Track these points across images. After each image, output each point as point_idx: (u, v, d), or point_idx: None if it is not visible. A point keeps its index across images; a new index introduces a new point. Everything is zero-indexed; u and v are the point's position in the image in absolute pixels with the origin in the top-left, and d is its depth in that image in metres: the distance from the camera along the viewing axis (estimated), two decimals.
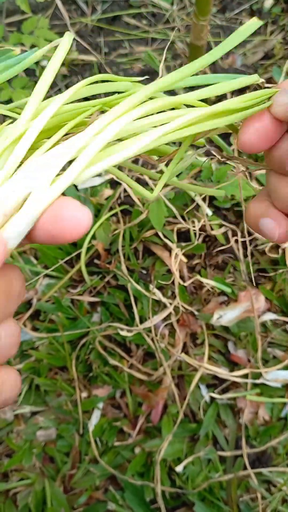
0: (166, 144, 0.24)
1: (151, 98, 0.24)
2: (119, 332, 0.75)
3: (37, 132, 0.21)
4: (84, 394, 0.77)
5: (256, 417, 0.74)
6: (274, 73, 0.93)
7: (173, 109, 0.24)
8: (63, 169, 0.21)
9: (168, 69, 1.00)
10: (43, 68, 1.00)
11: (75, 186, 0.89)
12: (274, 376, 0.74)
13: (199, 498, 0.71)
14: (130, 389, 0.76)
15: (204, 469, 0.72)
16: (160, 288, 0.81)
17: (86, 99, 0.26)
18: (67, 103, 0.24)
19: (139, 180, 0.92)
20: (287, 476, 0.72)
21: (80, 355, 0.78)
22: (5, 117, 0.27)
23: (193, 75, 0.25)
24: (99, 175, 0.90)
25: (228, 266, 0.81)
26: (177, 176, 0.84)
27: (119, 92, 0.26)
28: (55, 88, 1.01)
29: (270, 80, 0.99)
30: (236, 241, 0.83)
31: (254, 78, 0.25)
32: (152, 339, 0.74)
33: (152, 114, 0.24)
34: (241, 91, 1.01)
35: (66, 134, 0.23)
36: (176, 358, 0.74)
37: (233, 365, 0.78)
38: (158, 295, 0.76)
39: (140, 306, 0.78)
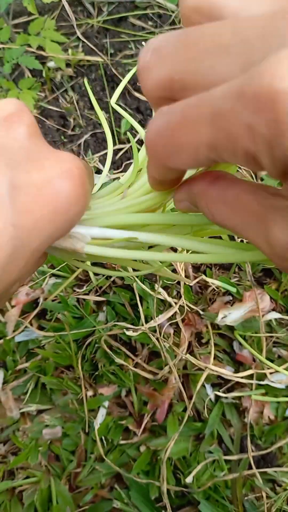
0: None
1: None
2: (124, 331, 0.76)
3: None
4: (90, 393, 0.77)
5: (261, 416, 0.74)
6: None
7: None
8: None
9: None
10: (49, 69, 1.01)
11: None
12: (278, 377, 0.75)
13: (204, 497, 0.71)
14: (136, 388, 0.76)
15: (209, 468, 0.73)
16: (165, 287, 0.81)
17: None
18: None
19: None
20: None
21: (86, 354, 0.79)
22: None
23: None
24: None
25: (233, 266, 0.82)
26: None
27: None
28: (61, 89, 1.02)
29: None
30: (242, 241, 0.83)
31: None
32: (158, 339, 0.74)
33: None
34: None
35: None
36: (182, 357, 0.75)
37: (238, 364, 0.78)
38: (164, 294, 0.77)
39: (146, 305, 0.78)
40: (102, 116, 0.35)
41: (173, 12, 1.10)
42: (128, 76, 0.37)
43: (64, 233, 0.25)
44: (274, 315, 0.78)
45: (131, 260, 0.30)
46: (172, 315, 0.76)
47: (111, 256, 0.26)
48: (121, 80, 0.99)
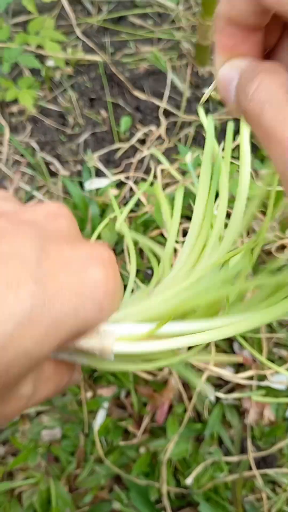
0: None
1: None
2: None
3: None
4: (89, 394, 0.77)
5: (261, 418, 0.74)
6: None
7: None
8: None
9: (174, 69, 1.00)
10: (48, 68, 1.00)
11: (81, 187, 0.89)
12: (279, 378, 0.74)
13: (204, 498, 0.71)
14: (135, 389, 0.76)
15: (209, 469, 0.72)
16: None
17: None
18: None
19: None
20: None
21: None
22: None
23: None
24: (106, 176, 0.91)
25: None
26: (183, 174, 0.84)
27: None
28: (60, 88, 1.01)
29: None
30: (242, 241, 0.83)
31: None
32: None
33: None
34: None
35: None
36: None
37: (238, 365, 0.78)
38: None
39: None
40: None
41: (172, 11, 1.09)
42: None
43: (88, 322, 0.22)
44: None
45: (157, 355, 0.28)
46: None
47: (140, 352, 0.25)
48: (120, 79, 0.99)
